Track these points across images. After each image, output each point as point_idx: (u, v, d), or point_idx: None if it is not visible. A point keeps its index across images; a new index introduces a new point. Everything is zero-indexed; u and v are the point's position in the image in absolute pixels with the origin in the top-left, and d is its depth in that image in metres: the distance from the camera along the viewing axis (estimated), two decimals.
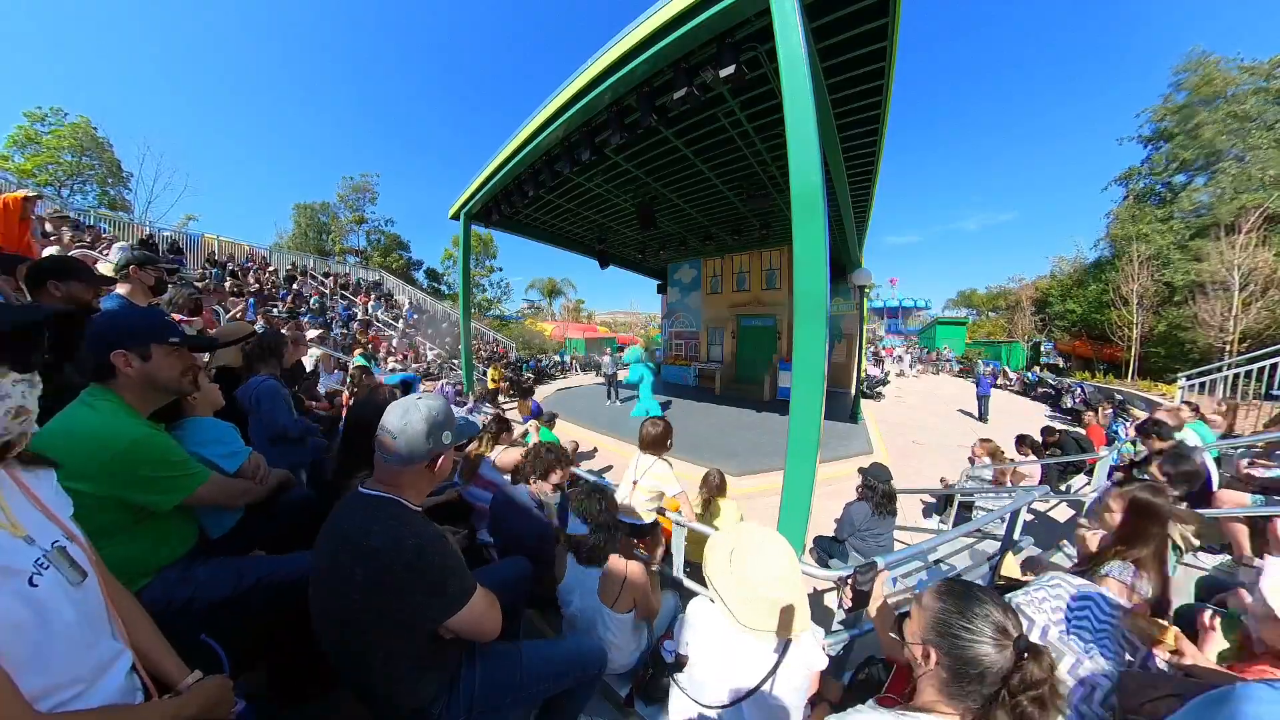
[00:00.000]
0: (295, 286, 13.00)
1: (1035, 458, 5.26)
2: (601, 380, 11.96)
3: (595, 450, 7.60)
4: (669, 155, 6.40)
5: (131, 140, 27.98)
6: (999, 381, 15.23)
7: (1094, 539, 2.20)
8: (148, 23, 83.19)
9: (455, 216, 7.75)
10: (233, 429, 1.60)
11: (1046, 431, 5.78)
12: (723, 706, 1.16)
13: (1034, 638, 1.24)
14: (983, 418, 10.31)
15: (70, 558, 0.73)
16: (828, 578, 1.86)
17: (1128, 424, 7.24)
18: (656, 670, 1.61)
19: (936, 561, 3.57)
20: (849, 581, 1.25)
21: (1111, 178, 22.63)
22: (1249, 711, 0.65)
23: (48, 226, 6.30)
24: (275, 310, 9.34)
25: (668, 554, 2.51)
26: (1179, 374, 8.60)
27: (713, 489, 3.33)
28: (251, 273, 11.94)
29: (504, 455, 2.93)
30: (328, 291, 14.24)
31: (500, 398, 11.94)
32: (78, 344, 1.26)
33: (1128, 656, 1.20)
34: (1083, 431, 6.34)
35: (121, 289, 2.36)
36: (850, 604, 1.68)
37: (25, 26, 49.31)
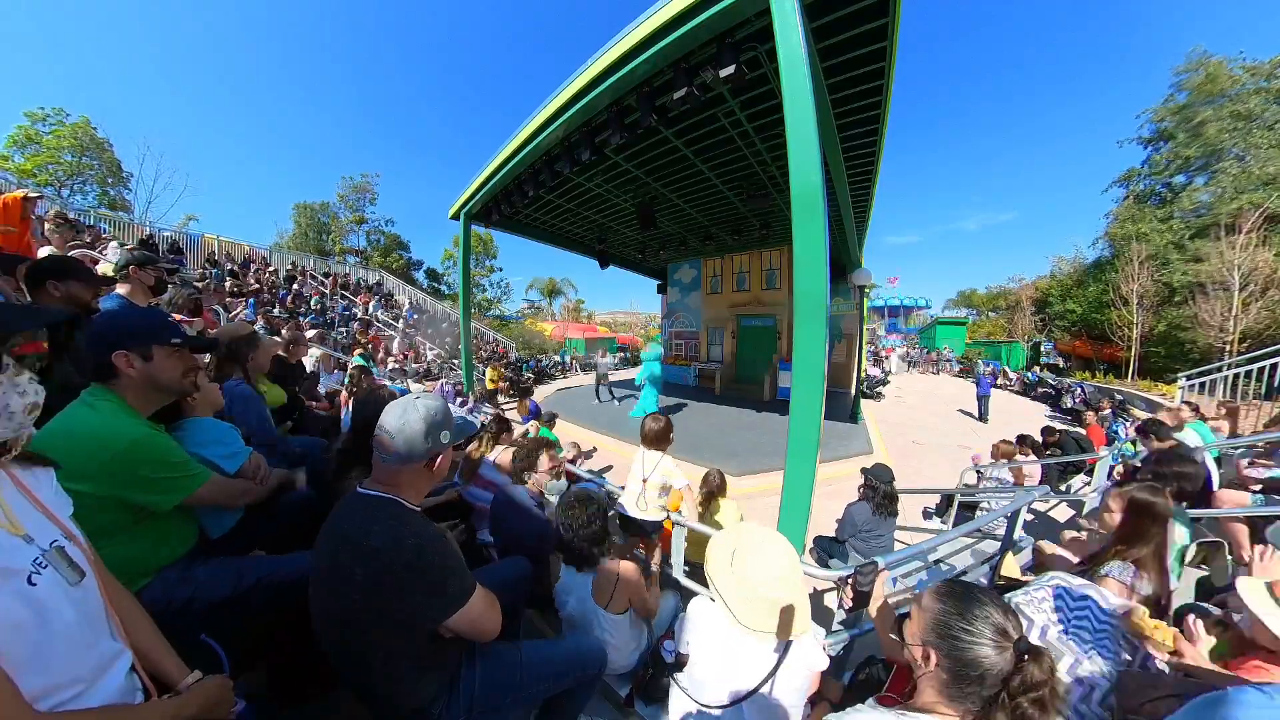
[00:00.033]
0: (295, 286, 13.00)
1: (1035, 458, 5.26)
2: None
3: (594, 450, 7.61)
4: (669, 155, 6.40)
5: (131, 140, 28.06)
6: (999, 381, 15.23)
7: (1076, 543, 2.22)
8: (148, 23, 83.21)
9: (455, 216, 7.75)
10: (233, 429, 1.60)
11: (1046, 432, 5.78)
12: (723, 706, 1.16)
13: (1033, 638, 1.24)
14: (983, 418, 10.31)
15: (69, 557, 0.73)
16: (828, 578, 1.86)
17: (1128, 424, 7.25)
18: (656, 670, 1.61)
19: (937, 561, 3.57)
20: (849, 581, 1.25)
21: (1111, 178, 22.76)
22: (1240, 716, 0.65)
23: (48, 226, 6.31)
24: (275, 310, 9.35)
25: (667, 555, 2.51)
26: (1179, 374, 8.61)
27: (713, 489, 3.33)
28: (251, 273, 11.95)
29: (504, 455, 2.93)
30: (328, 291, 14.24)
31: (500, 398, 11.95)
32: (75, 343, 1.27)
33: (1126, 656, 1.20)
34: (1083, 431, 6.34)
35: (121, 289, 2.36)
36: (850, 604, 1.68)
37: (25, 26, 49.35)
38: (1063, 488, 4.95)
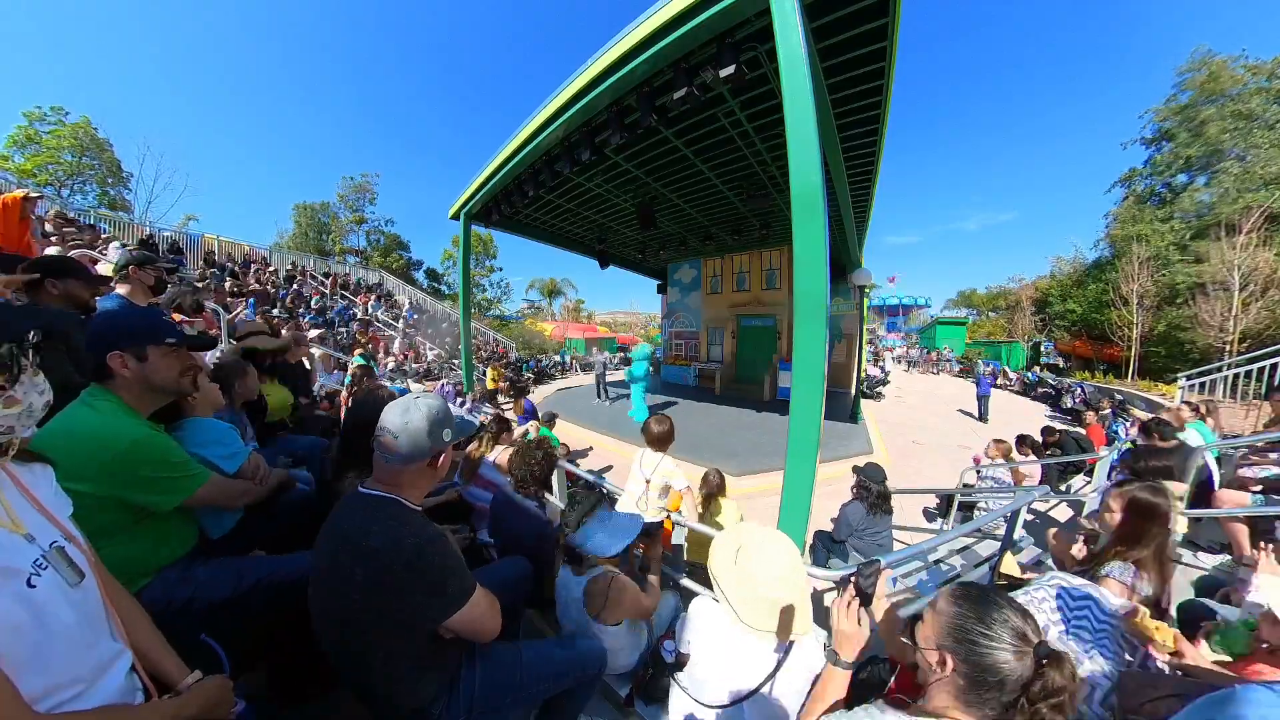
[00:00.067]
0: (295, 286, 13.00)
1: (1035, 458, 5.26)
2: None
3: (590, 449, 7.61)
4: (669, 155, 6.40)
5: (131, 140, 28.06)
6: (999, 381, 15.24)
7: (1067, 544, 2.20)
8: (148, 23, 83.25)
9: (455, 216, 7.75)
10: (233, 430, 1.60)
11: (1047, 431, 5.78)
12: (723, 706, 1.16)
13: None
14: (983, 418, 10.31)
15: (68, 558, 0.73)
16: (828, 578, 1.85)
17: (1127, 424, 7.25)
18: (656, 670, 1.61)
19: (937, 561, 3.57)
20: (851, 581, 1.25)
21: (1112, 178, 22.82)
22: (1249, 715, 0.64)
23: (48, 226, 6.31)
24: (275, 310, 9.35)
25: (666, 556, 2.51)
26: (1179, 374, 8.61)
27: (712, 489, 3.33)
28: (252, 273, 11.94)
29: (504, 455, 2.93)
30: (327, 291, 14.24)
31: (500, 398, 11.94)
32: (75, 343, 1.27)
33: (1127, 656, 1.21)
34: (1083, 431, 6.34)
35: (121, 289, 2.37)
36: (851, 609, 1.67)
37: (25, 26, 49.35)
38: (1063, 488, 4.96)
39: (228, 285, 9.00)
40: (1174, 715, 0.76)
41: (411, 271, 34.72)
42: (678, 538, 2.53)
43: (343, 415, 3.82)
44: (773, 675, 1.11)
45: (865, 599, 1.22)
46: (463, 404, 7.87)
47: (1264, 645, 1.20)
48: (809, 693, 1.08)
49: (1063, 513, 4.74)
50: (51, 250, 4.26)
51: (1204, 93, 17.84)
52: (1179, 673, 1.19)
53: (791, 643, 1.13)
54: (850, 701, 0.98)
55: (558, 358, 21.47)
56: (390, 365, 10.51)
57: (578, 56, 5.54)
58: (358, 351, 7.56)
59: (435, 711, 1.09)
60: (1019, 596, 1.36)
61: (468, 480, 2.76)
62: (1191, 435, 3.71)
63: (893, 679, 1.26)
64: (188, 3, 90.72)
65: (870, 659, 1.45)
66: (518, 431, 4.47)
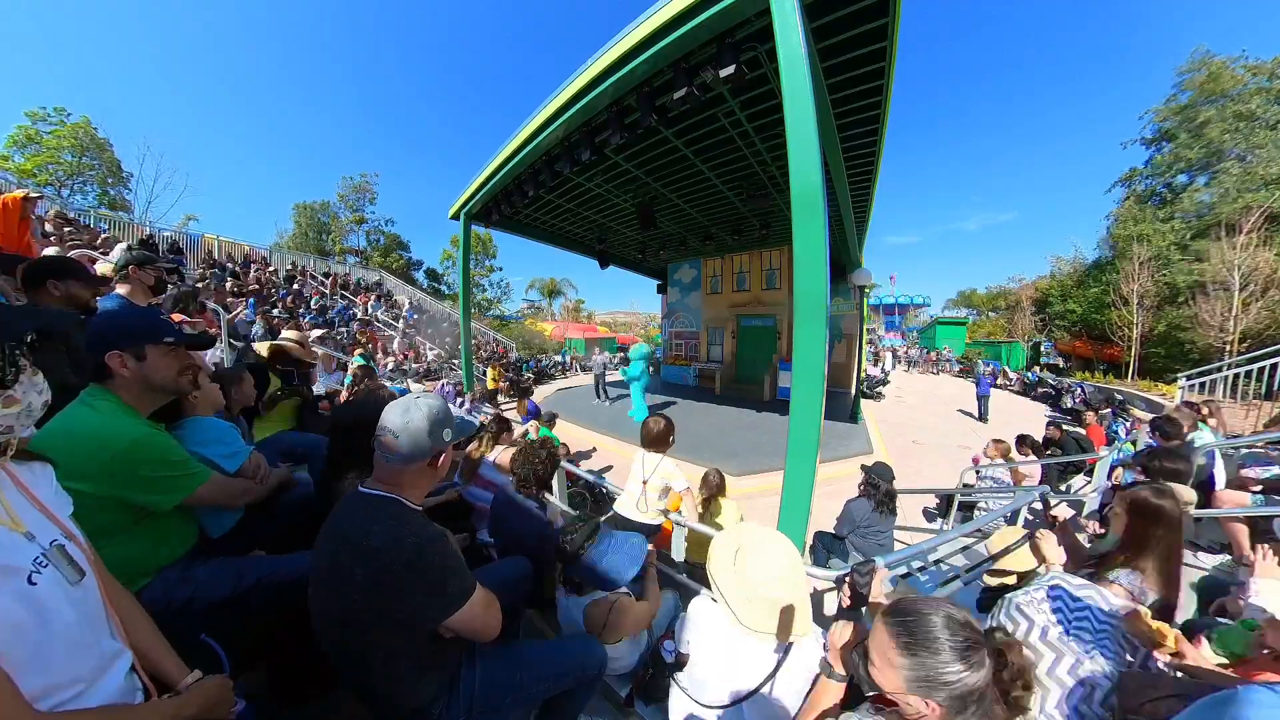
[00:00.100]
0: (295, 286, 13.00)
1: (1035, 458, 5.27)
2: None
3: (594, 450, 7.61)
4: (669, 155, 6.40)
5: (131, 140, 28.03)
6: (999, 381, 15.24)
7: (1052, 546, 2.20)
8: (148, 23, 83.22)
9: (455, 216, 7.75)
10: (233, 429, 1.60)
11: (1052, 425, 5.75)
12: (723, 707, 1.16)
13: (1034, 638, 1.24)
14: (983, 418, 10.31)
15: (69, 556, 0.73)
16: (826, 577, 1.85)
17: (1127, 424, 7.25)
18: (656, 670, 1.61)
19: (936, 562, 3.57)
20: (847, 580, 1.25)
21: (1111, 178, 22.87)
22: (1251, 715, 0.63)
23: (48, 226, 6.32)
24: (275, 310, 9.34)
25: (662, 556, 2.51)
26: (1179, 374, 8.61)
27: (712, 489, 3.33)
28: (252, 273, 11.94)
29: (504, 455, 2.93)
30: (327, 291, 14.24)
31: (500, 398, 11.95)
32: (75, 343, 1.27)
33: (1128, 657, 1.20)
34: (1083, 431, 6.34)
35: (121, 289, 2.36)
36: (849, 604, 1.67)
37: (25, 26, 49.34)
38: (1063, 488, 4.96)
39: (228, 285, 9.00)
40: (1175, 716, 0.75)
41: (411, 271, 34.73)
42: (678, 538, 2.53)
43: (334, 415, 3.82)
44: (772, 676, 1.11)
45: (860, 599, 1.22)
46: (462, 404, 7.88)
47: (1265, 651, 1.20)
48: (807, 694, 1.08)
49: (1063, 513, 4.73)
50: (51, 250, 4.26)
51: (1204, 93, 17.85)
52: (1179, 673, 1.18)
53: (791, 643, 1.13)
54: (846, 704, 0.98)
55: (558, 358, 21.47)
56: (390, 365, 10.51)
57: (578, 56, 5.53)
58: (358, 351, 7.57)
59: (435, 711, 1.09)
60: (1019, 597, 1.36)
61: (468, 480, 2.76)
62: (1204, 435, 3.69)
63: None
64: (188, 3, 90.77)
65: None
66: (518, 431, 4.47)
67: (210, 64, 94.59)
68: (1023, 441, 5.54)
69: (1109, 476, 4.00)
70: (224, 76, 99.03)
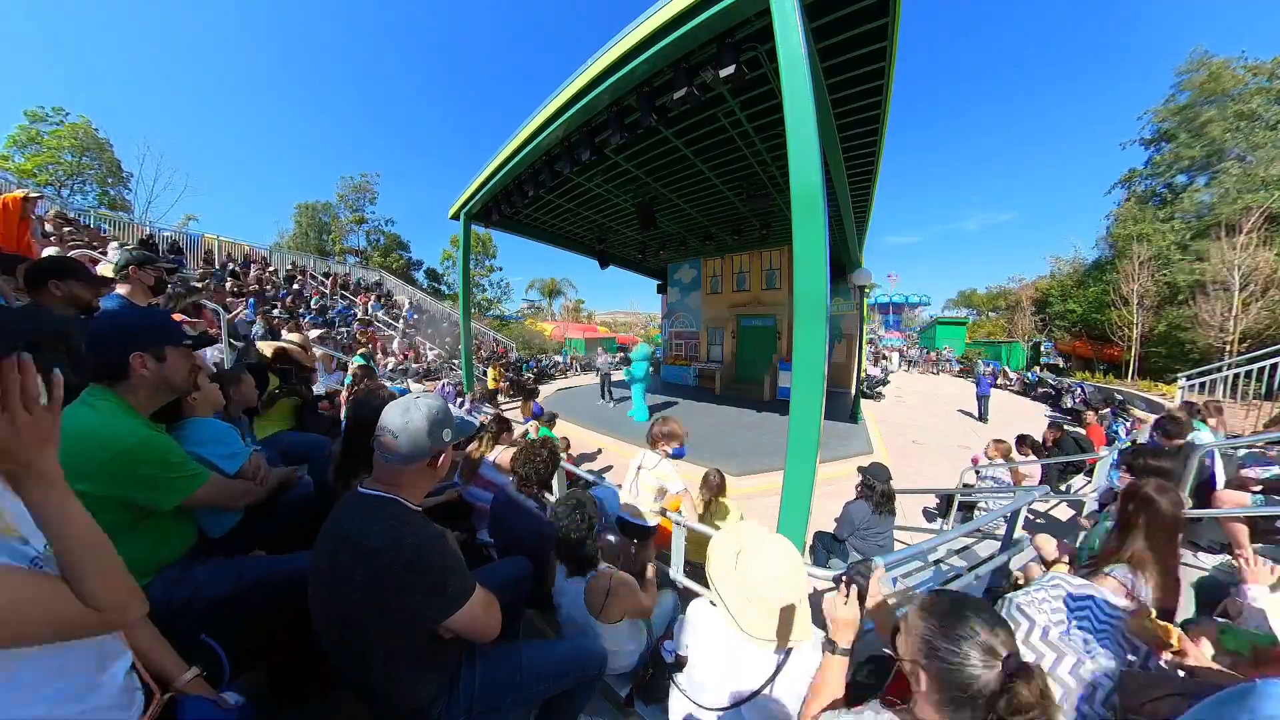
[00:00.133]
0: (295, 286, 13.00)
1: (1035, 458, 5.26)
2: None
3: (599, 450, 7.60)
4: (669, 155, 6.40)
5: (131, 140, 28.03)
6: (999, 381, 15.23)
7: (1048, 544, 2.21)
8: (148, 23, 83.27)
9: (455, 216, 7.75)
10: (232, 430, 1.60)
11: (1054, 427, 5.73)
12: (722, 709, 1.15)
13: (1034, 638, 1.24)
14: (983, 418, 10.30)
15: None
16: (825, 576, 1.85)
17: (1127, 424, 7.24)
18: (656, 670, 1.61)
19: (937, 562, 3.57)
20: (845, 579, 1.24)
21: (1111, 177, 22.89)
22: (1268, 710, 0.61)
23: (48, 226, 6.32)
24: (275, 310, 9.34)
25: (661, 556, 2.50)
26: (1179, 374, 8.61)
27: (713, 489, 3.33)
28: (252, 273, 11.94)
29: (504, 455, 2.93)
30: (327, 291, 14.24)
31: (500, 398, 11.94)
32: (74, 344, 1.26)
33: (1130, 656, 1.20)
34: (1083, 431, 6.33)
35: (121, 289, 2.36)
36: (847, 602, 1.67)
37: (25, 26, 49.36)
38: (1063, 488, 4.96)
39: (228, 285, 8.99)
40: (1186, 712, 0.74)
41: (411, 271, 34.73)
42: (677, 538, 2.52)
43: (344, 415, 3.82)
44: (772, 679, 1.10)
45: (859, 598, 1.22)
46: (462, 404, 7.88)
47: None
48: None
49: (1063, 512, 4.74)
50: (50, 250, 4.26)
51: (1203, 93, 17.86)
52: (1181, 672, 1.18)
53: (791, 648, 1.12)
54: (849, 702, 0.98)
55: (558, 358, 21.47)
56: (390, 365, 10.51)
57: (578, 56, 5.54)
58: (358, 351, 7.57)
59: (435, 711, 1.09)
60: (1019, 597, 1.36)
61: (468, 480, 2.76)
62: (1204, 435, 3.68)
63: (890, 679, 1.26)
64: (188, 3, 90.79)
65: (868, 659, 1.45)
66: (518, 431, 4.47)
67: (210, 64, 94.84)
68: (1023, 441, 5.53)
69: (1109, 476, 3.99)
70: (224, 76, 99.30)
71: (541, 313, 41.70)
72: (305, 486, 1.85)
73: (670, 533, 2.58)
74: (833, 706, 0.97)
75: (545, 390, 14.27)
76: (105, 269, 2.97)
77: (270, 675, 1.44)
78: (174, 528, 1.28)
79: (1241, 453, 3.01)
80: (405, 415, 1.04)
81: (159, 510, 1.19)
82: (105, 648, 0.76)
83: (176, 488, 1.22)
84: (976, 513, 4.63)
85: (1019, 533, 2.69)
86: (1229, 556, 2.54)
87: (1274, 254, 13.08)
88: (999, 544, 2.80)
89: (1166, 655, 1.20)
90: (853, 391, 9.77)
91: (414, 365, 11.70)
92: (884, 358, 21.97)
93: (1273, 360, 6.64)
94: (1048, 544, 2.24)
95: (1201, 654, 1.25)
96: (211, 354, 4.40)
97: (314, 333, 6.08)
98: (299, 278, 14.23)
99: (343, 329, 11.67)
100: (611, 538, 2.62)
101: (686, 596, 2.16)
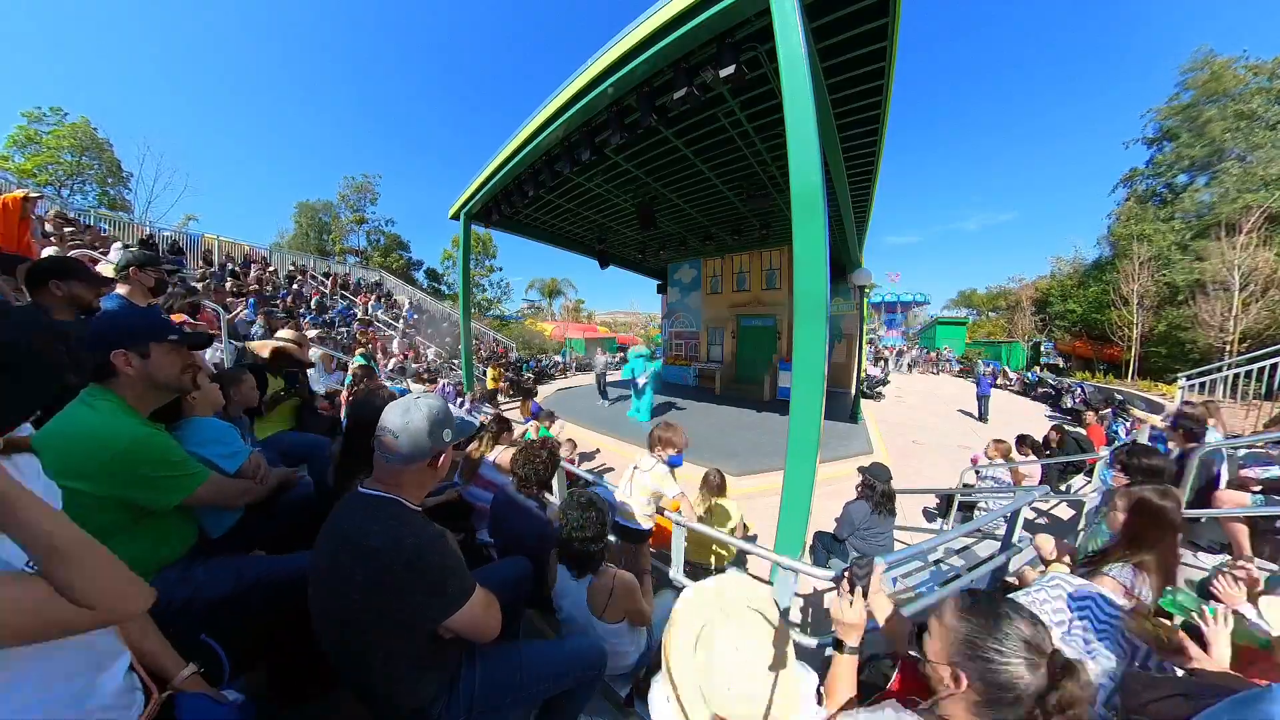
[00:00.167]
0: (295, 286, 13.00)
1: (1035, 458, 5.26)
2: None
3: (597, 450, 7.60)
4: (669, 155, 6.40)
5: (131, 140, 28.04)
6: (999, 381, 15.23)
7: (1047, 544, 2.21)
8: (148, 23, 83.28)
9: (455, 216, 7.75)
10: (232, 429, 1.60)
11: (1056, 429, 5.72)
12: None
13: None
14: (983, 418, 10.30)
15: None
16: (825, 576, 1.85)
17: (1127, 424, 7.24)
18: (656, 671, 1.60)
19: (936, 562, 3.57)
20: (845, 577, 1.23)
21: (1112, 177, 22.95)
22: None
23: (48, 226, 6.31)
24: (276, 310, 9.33)
25: (660, 555, 2.49)
26: (1179, 374, 8.60)
27: (713, 489, 3.33)
28: (252, 272, 11.94)
29: (504, 455, 2.93)
30: (327, 291, 14.24)
31: (499, 398, 11.94)
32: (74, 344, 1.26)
33: (1129, 657, 1.20)
34: (1083, 431, 6.33)
35: (121, 289, 2.36)
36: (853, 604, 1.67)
37: (25, 26, 49.36)
38: (1063, 488, 4.95)
39: (228, 285, 8.99)
40: (1198, 715, 0.74)
41: (411, 271, 34.73)
42: (677, 538, 2.52)
43: (344, 415, 3.83)
44: None
45: (852, 582, 1.21)
46: (462, 404, 7.88)
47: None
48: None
49: (1063, 512, 4.74)
50: (50, 250, 4.26)
51: (1206, 92, 17.87)
52: (1181, 672, 1.18)
53: None
54: (859, 698, 0.98)
55: (558, 358, 21.47)
56: (390, 365, 10.51)
57: (578, 56, 5.54)
58: (358, 351, 7.57)
59: (435, 711, 1.09)
60: (1020, 598, 1.36)
61: (468, 480, 2.76)
62: (1211, 435, 3.66)
63: (894, 677, 1.26)
64: (188, 3, 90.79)
65: (870, 658, 1.45)
66: (518, 431, 4.47)
67: (210, 64, 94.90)
68: (1023, 441, 5.53)
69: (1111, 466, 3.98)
70: (224, 76, 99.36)
71: (541, 313, 41.70)
72: (305, 486, 1.85)
73: (670, 533, 2.58)
74: (847, 706, 0.96)
75: (545, 390, 14.27)
76: (106, 269, 2.97)
77: (270, 675, 1.44)
78: (174, 527, 1.28)
79: (1241, 453, 3.01)
80: (405, 415, 1.03)
81: (159, 510, 1.19)
82: (105, 648, 0.76)
83: (176, 487, 1.22)
84: (976, 513, 4.63)
85: (1019, 533, 2.69)
86: (1229, 556, 2.54)
87: (1274, 254, 13.08)
88: (999, 544, 2.79)
89: (1167, 655, 1.20)
90: (853, 391, 9.77)
91: (414, 365, 11.69)
92: (883, 359, 21.96)
93: (1273, 360, 6.63)
94: (1047, 544, 2.24)
95: (1202, 654, 1.25)
96: (211, 354, 4.39)
97: (313, 332, 6.09)
98: (299, 278, 14.23)
99: (343, 329, 11.66)
100: (612, 538, 2.61)
101: None
